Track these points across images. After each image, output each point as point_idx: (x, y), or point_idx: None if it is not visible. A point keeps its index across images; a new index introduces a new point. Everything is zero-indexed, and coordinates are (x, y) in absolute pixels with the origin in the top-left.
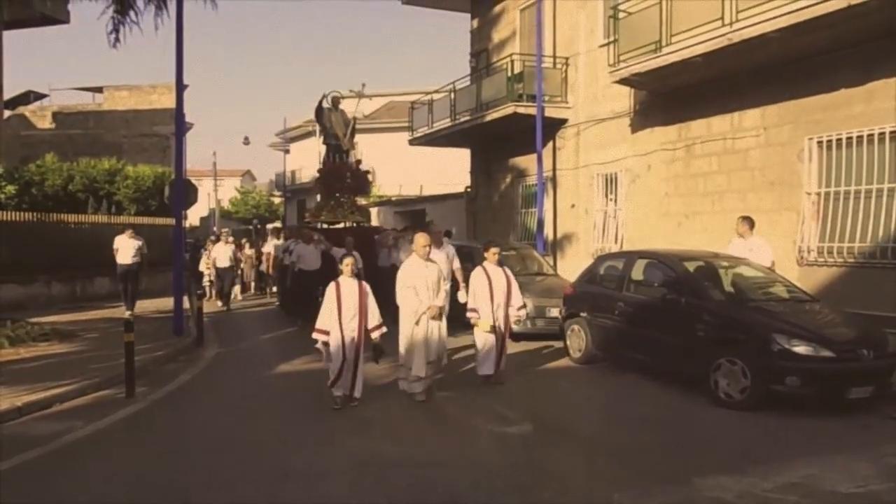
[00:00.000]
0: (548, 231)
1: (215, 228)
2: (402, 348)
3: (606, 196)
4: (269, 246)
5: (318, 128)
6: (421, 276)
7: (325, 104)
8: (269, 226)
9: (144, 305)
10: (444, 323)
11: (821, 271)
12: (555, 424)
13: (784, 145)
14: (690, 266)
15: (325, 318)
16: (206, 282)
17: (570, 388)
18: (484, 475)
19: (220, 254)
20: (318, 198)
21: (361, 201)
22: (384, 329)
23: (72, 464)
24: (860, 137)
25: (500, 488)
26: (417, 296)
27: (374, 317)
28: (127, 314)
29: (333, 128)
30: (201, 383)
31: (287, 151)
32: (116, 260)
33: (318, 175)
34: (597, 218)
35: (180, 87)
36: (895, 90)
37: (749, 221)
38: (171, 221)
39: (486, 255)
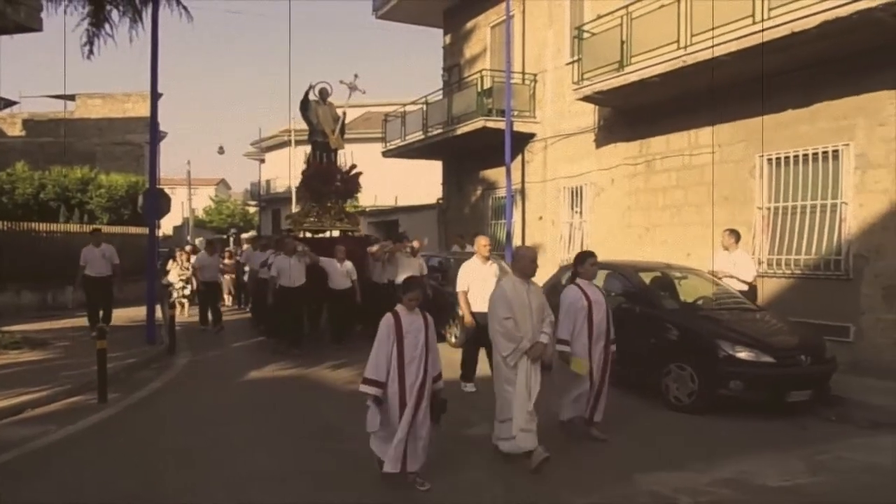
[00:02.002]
0: (517, 242)
1: (189, 238)
2: (497, 397)
3: (572, 208)
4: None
5: (293, 137)
6: (520, 300)
7: (312, 96)
8: (244, 235)
9: (117, 315)
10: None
11: (771, 282)
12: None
13: (737, 162)
14: (646, 277)
15: (379, 363)
16: (176, 296)
17: None
18: (443, 473)
19: (205, 266)
20: (293, 205)
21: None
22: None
23: (45, 466)
24: (805, 156)
25: (460, 485)
26: (519, 329)
27: (436, 362)
28: (93, 334)
29: (320, 123)
30: (173, 390)
31: (262, 161)
32: (85, 272)
33: (301, 177)
34: (563, 229)
35: (155, 97)
36: (836, 112)
37: (735, 235)
38: (145, 231)
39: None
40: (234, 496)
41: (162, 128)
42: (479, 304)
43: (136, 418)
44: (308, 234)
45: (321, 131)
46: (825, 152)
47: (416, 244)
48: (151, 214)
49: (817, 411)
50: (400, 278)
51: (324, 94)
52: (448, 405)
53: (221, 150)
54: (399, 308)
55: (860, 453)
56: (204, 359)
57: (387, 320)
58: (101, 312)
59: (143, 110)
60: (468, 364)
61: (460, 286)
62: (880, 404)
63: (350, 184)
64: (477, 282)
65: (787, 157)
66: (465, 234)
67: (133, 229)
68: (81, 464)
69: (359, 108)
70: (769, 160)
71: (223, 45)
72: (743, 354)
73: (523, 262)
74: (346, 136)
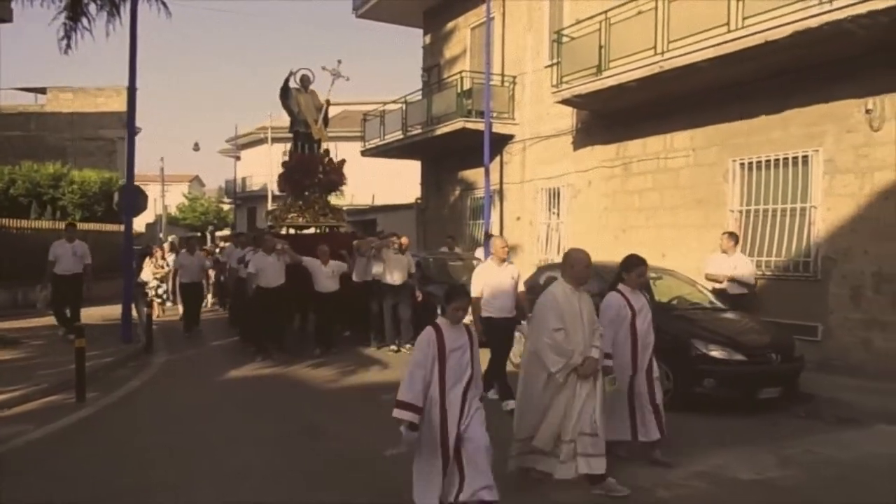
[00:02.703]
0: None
1: (161, 235)
2: (516, 409)
3: (550, 209)
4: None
5: (270, 135)
6: (572, 310)
7: (293, 84)
8: (219, 233)
9: (90, 313)
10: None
11: None
12: (496, 422)
13: (711, 166)
14: None
15: (414, 385)
16: (153, 294)
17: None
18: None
19: (185, 267)
20: (269, 203)
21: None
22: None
23: (25, 465)
24: (777, 160)
25: None
26: (569, 342)
27: (478, 381)
28: (62, 333)
29: (302, 112)
30: (152, 388)
31: (238, 158)
32: (54, 270)
33: (282, 169)
34: (541, 230)
35: (133, 92)
36: (807, 119)
37: (734, 238)
38: (119, 228)
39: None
40: (222, 493)
41: (136, 123)
42: (495, 308)
43: (116, 417)
44: (291, 231)
45: (303, 121)
46: (795, 157)
47: (404, 241)
48: (128, 211)
49: (787, 408)
50: (388, 276)
51: (305, 81)
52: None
53: (197, 147)
54: (441, 321)
55: (827, 448)
56: (182, 358)
57: (427, 336)
58: (68, 312)
59: (117, 105)
60: (499, 378)
61: (474, 290)
62: (847, 401)
63: (334, 175)
64: (492, 285)
65: (759, 162)
66: (456, 236)
67: (107, 226)
68: (65, 462)
69: (336, 106)
70: (742, 164)
71: (198, 40)
72: (716, 353)
73: (577, 267)
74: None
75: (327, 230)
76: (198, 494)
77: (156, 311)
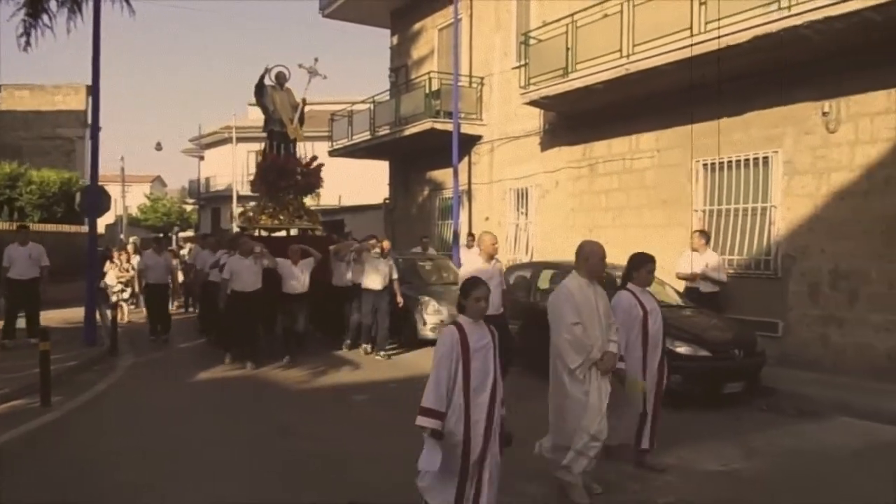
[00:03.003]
0: (463, 242)
1: (122, 236)
2: (551, 414)
3: (518, 209)
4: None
5: (235, 134)
6: (588, 304)
7: (268, 81)
8: (183, 234)
9: (49, 316)
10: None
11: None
12: None
13: (675, 166)
14: None
15: (439, 389)
16: (116, 298)
17: None
18: (400, 467)
19: (151, 267)
20: (234, 203)
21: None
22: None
23: None
24: (738, 161)
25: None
26: (587, 337)
27: (501, 385)
28: (4, 342)
29: (277, 111)
30: (119, 391)
31: (201, 158)
32: (9, 275)
33: (256, 169)
34: (509, 230)
35: (96, 91)
36: (767, 121)
37: (706, 236)
38: (80, 229)
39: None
40: (195, 494)
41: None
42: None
43: (84, 421)
44: (264, 233)
45: (278, 120)
46: (756, 159)
47: (385, 244)
48: (92, 212)
49: (749, 402)
50: (367, 281)
51: (281, 78)
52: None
53: (159, 147)
54: (462, 319)
55: (789, 440)
56: (148, 360)
57: (449, 335)
58: (20, 318)
59: (75, 103)
60: None
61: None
62: (806, 394)
63: (311, 177)
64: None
65: (721, 163)
66: (429, 236)
67: (67, 227)
68: (33, 466)
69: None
70: (705, 165)
71: (160, 38)
72: (682, 349)
73: (592, 259)
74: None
75: (301, 232)
76: (171, 495)
77: (121, 313)
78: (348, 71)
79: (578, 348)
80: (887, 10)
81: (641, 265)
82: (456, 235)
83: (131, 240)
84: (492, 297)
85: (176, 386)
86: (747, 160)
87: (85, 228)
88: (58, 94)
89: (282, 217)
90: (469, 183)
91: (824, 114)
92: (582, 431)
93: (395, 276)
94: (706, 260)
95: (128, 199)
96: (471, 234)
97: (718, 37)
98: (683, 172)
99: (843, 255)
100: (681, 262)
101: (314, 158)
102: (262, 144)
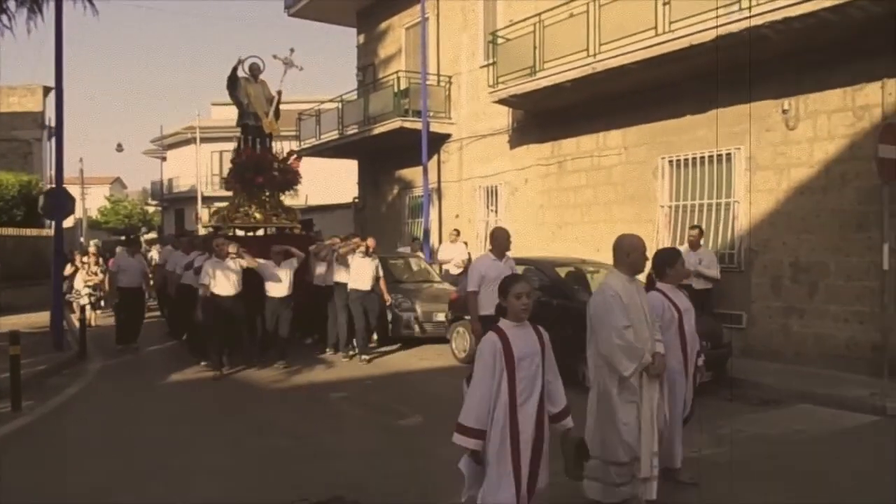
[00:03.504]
0: (433, 240)
1: (82, 240)
2: (592, 429)
3: (488, 207)
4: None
5: (198, 134)
6: (635, 304)
7: (241, 73)
8: (146, 236)
9: (13, 321)
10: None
11: None
12: (443, 417)
13: (642, 163)
14: (561, 271)
15: (480, 404)
16: (85, 301)
17: (456, 385)
18: (379, 461)
19: (124, 269)
20: (199, 204)
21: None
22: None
23: None
24: (702, 158)
25: (395, 471)
26: (638, 340)
27: (559, 393)
28: None
29: (252, 104)
30: (91, 394)
31: (164, 159)
32: None
33: (231, 165)
34: (479, 228)
35: (60, 92)
36: (730, 119)
37: (702, 232)
38: (41, 232)
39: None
40: (174, 492)
41: (52, 123)
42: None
43: (56, 424)
44: (239, 232)
45: (252, 113)
46: (720, 155)
47: (370, 243)
48: (57, 215)
49: (716, 391)
50: (355, 281)
51: (255, 70)
52: None
53: (120, 148)
54: (503, 323)
55: (755, 427)
56: (118, 363)
57: (491, 343)
58: None
59: (32, 104)
60: None
61: (471, 285)
62: (769, 384)
63: (288, 174)
64: (491, 280)
65: (686, 160)
66: (417, 239)
67: (28, 231)
68: (5, 471)
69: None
70: (671, 162)
71: (121, 37)
72: None
73: (634, 254)
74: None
75: (280, 231)
76: (148, 495)
77: (90, 317)
78: (315, 70)
79: (631, 354)
80: (843, 11)
81: (674, 261)
82: (426, 233)
83: (92, 243)
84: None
85: (148, 388)
86: (711, 157)
87: (46, 231)
88: (13, 95)
89: (258, 215)
90: (439, 181)
91: (784, 111)
92: (638, 448)
93: (380, 274)
94: (700, 256)
95: (87, 202)
96: (455, 230)
97: (683, 36)
98: (649, 169)
99: (803, 248)
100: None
101: (291, 153)
102: (230, 144)
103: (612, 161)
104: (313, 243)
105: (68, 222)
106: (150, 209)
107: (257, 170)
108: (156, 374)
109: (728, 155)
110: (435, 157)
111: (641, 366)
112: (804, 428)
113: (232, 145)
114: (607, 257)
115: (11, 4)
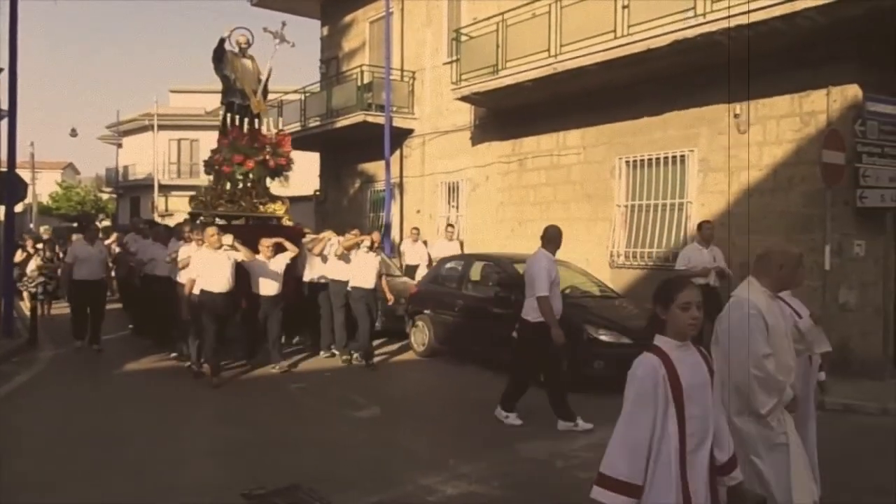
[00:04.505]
0: (395, 235)
1: (31, 226)
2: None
3: (449, 203)
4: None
5: (156, 122)
6: (778, 327)
7: (229, 46)
8: (101, 223)
9: None
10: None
11: (628, 272)
12: (400, 408)
13: (600, 163)
14: (520, 267)
15: (636, 449)
16: (38, 290)
17: (414, 377)
18: (337, 451)
19: (82, 259)
20: (156, 192)
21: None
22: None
23: None
24: (658, 159)
25: (352, 460)
26: (780, 371)
27: (725, 434)
28: None
29: (239, 80)
30: (43, 383)
31: (119, 145)
32: None
33: (215, 147)
34: (441, 223)
35: (13, 74)
36: (684, 121)
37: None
38: None
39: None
40: (134, 481)
41: (4, 105)
42: (557, 310)
43: (5, 412)
44: (221, 221)
45: (240, 91)
46: (674, 157)
47: (375, 237)
48: (10, 200)
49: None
50: (356, 279)
51: (243, 44)
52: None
53: (74, 133)
54: (662, 341)
55: None
56: (71, 352)
57: (651, 370)
58: None
59: None
60: (519, 390)
61: (542, 289)
62: None
63: (280, 156)
64: (554, 283)
65: (642, 160)
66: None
67: None
68: None
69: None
70: (627, 162)
71: (77, 21)
72: (605, 337)
73: (788, 267)
74: (211, 125)
75: (263, 222)
76: (102, 484)
77: (42, 307)
78: (278, 60)
79: (769, 388)
80: (791, 20)
81: (798, 262)
82: (388, 228)
83: (43, 228)
84: (559, 302)
85: (104, 377)
86: (666, 158)
87: None
88: None
89: (243, 202)
90: (401, 176)
91: (735, 115)
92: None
93: (383, 272)
94: (713, 254)
95: (37, 187)
96: (415, 228)
97: (640, 40)
98: (607, 169)
99: (753, 248)
100: (683, 258)
101: (281, 131)
102: (188, 132)
103: (571, 160)
104: (304, 236)
105: (18, 208)
106: (105, 196)
107: (247, 153)
108: (111, 363)
109: (682, 157)
110: (397, 152)
111: (782, 403)
112: None
113: (191, 133)
114: (565, 254)
115: None
